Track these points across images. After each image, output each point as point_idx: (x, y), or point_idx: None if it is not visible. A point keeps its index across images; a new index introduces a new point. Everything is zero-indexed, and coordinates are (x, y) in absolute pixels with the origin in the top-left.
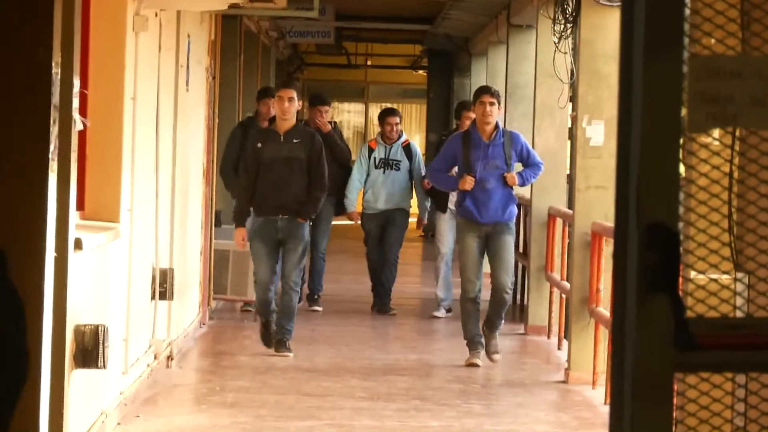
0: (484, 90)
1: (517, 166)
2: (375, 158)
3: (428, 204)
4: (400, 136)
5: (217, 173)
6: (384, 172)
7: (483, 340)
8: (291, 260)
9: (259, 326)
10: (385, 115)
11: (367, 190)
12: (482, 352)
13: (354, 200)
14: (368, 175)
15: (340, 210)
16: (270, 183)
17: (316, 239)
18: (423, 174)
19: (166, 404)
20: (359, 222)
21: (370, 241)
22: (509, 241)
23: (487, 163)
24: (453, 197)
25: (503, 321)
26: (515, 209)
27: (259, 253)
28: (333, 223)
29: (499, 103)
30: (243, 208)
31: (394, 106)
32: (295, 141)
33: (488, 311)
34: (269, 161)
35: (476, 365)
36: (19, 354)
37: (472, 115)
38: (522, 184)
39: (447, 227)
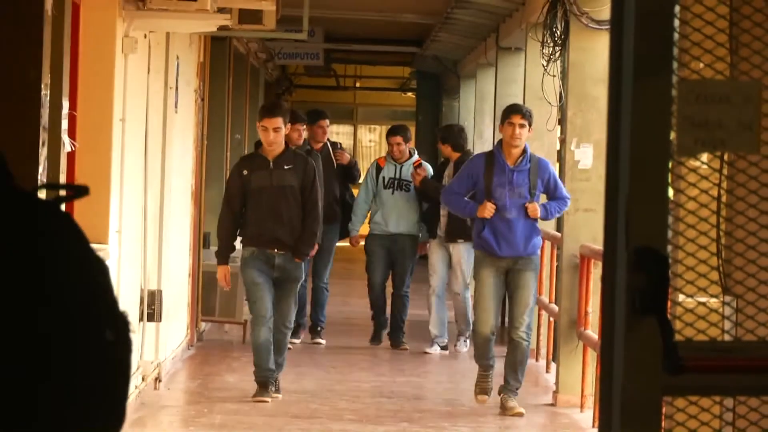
0: (515, 109)
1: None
2: (384, 177)
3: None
4: (411, 155)
5: (207, 197)
6: (393, 193)
7: (494, 363)
8: (288, 302)
9: (257, 387)
10: (389, 134)
11: (375, 211)
12: (491, 379)
13: (359, 224)
14: (375, 195)
15: (344, 234)
16: (262, 215)
17: (317, 269)
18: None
19: (154, 426)
20: (361, 245)
21: (374, 264)
22: (531, 278)
23: (511, 191)
24: (443, 223)
25: (521, 383)
26: (539, 241)
27: (256, 282)
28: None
29: (530, 125)
30: (227, 243)
31: (383, 127)
32: (286, 167)
33: (504, 370)
34: (258, 191)
35: (485, 394)
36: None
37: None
38: (545, 218)
39: (437, 257)
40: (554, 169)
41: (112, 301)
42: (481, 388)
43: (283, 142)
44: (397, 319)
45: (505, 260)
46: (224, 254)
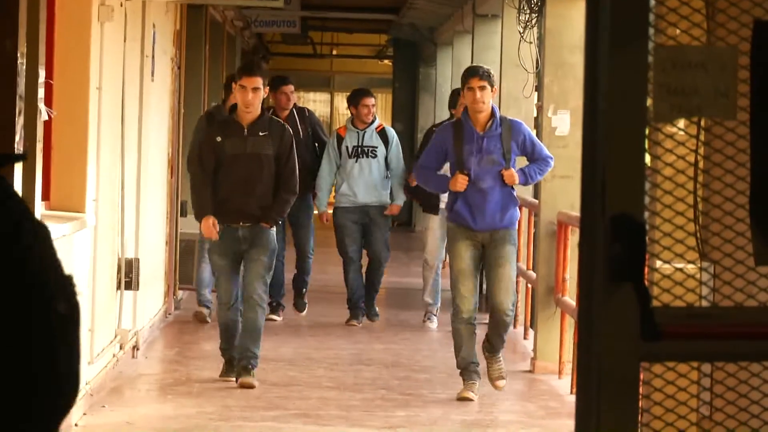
0: (472, 72)
1: (522, 162)
2: (347, 147)
3: (402, 196)
4: (373, 121)
5: (184, 165)
6: (357, 161)
7: (479, 369)
8: (254, 269)
9: (222, 364)
10: (360, 95)
11: (341, 182)
12: (478, 383)
13: (325, 199)
14: (339, 166)
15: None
16: (232, 184)
17: (300, 245)
18: (401, 162)
19: (131, 394)
20: (330, 222)
21: (347, 240)
22: (510, 252)
23: (482, 159)
24: (445, 195)
25: (505, 342)
26: (517, 212)
27: (220, 269)
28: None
29: (492, 85)
30: (205, 200)
31: None
32: (261, 134)
33: (487, 332)
34: (231, 158)
35: (469, 399)
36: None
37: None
38: (524, 183)
39: (438, 234)
40: (529, 128)
41: (60, 267)
42: (467, 387)
43: (260, 106)
44: (376, 287)
45: (480, 234)
46: (204, 207)
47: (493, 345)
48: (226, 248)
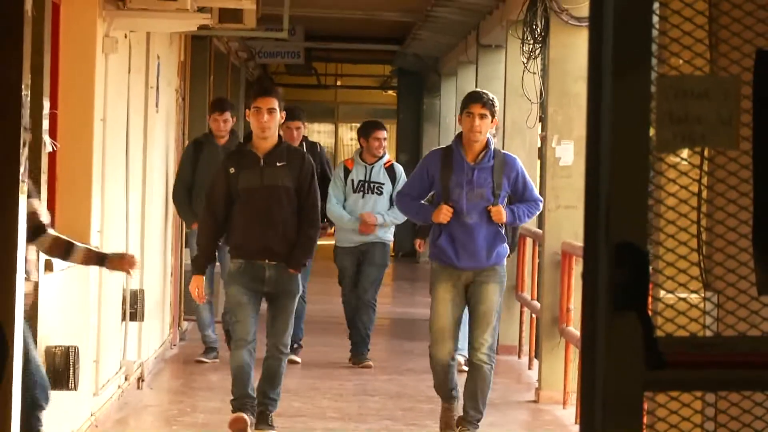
0: (475, 97)
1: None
2: (353, 180)
3: (391, 236)
4: (382, 156)
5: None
6: (363, 197)
7: (457, 392)
8: (283, 320)
9: (232, 415)
10: (371, 128)
11: None
12: (456, 403)
13: (342, 219)
14: (345, 199)
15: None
16: (251, 220)
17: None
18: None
19: (137, 425)
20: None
21: (346, 281)
22: (495, 292)
23: (470, 191)
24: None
25: (483, 414)
26: (505, 249)
27: (240, 303)
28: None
29: (493, 115)
30: (207, 251)
31: None
32: (279, 164)
33: (463, 398)
34: (247, 192)
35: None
36: None
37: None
38: (512, 223)
39: None
40: (522, 166)
41: None
42: (445, 422)
43: (277, 132)
44: (361, 332)
45: (465, 273)
46: (201, 263)
47: (468, 416)
48: (248, 283)
